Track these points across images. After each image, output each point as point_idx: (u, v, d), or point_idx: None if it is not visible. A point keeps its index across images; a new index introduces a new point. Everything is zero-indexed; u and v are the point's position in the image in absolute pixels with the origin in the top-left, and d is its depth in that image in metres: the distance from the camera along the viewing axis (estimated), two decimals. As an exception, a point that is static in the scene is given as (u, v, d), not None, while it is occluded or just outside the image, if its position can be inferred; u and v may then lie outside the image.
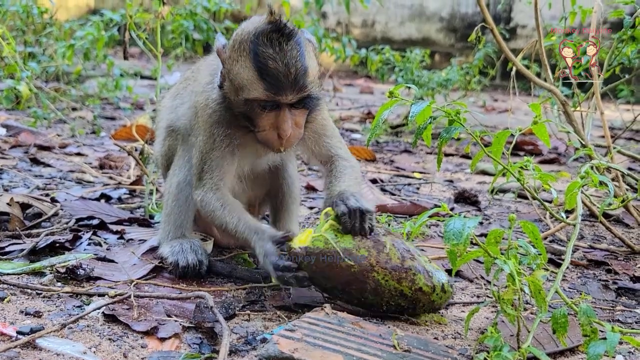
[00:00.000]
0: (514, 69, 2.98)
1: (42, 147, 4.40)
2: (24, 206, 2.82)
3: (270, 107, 2.06)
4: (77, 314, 1.90)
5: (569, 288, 2.43)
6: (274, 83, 2.00)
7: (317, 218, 3.19)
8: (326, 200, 2.20)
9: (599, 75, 3.02)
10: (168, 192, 2.44)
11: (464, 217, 1.70)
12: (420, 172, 4.52)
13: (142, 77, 8.15)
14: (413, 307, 2.02)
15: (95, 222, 2.79)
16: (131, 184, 3.52)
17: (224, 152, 2.23)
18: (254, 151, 2.31)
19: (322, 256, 1.99)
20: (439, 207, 1.81)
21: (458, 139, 5.48)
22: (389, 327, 1.95)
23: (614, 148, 2.94)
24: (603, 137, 3.01)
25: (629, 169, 4.40)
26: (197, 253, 2.31)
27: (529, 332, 1.70)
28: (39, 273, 2.22)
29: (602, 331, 1.67)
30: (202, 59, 2.61)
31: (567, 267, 2.52)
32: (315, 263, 2.00)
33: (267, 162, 2.47)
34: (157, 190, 3.11)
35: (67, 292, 2.06)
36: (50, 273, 2.20)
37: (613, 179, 2.95)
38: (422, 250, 2.67)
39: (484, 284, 2.43)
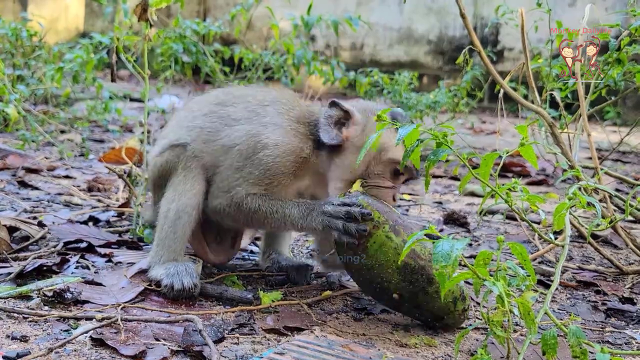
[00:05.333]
0: (502, 91, 3.00)
1: (30, 170, 4.38)
2: (11, 229, 2.80)
3: (397, 175, 2.31)
4: (65, 338, 1.88)
5: (559, 309, 2.43)
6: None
7: (306, 240, 3.19)
8: None
9: (586, 97, 3.04)
10: (165, 217, 2.42)
11: (453, 238, 1.70)
12: (409, 194, 4.53)
13: (132, 100, 8.14)
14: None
15: (83, 245, 2.78)
16: (120, 206, 3.51)
17: (268, 190, 2.32)
18: (291, 194, 2.40)
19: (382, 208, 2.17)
20: (428, 228, 1.81)
21: (447, 161, 5.50)
22: (378, 349, 1.94)
23: (602, 169, 2.96)
24: (590, 158, 3.03)
25: (617, 190, 4.42)
26: (192, 276, 2.31)
27: (518, 353, 1.70)
28: (25, 297, 2.20)
29: (591, 352, 1.67)
30: (257, 87, 2.70)
31: (556, 288, 2.54)
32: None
33: None
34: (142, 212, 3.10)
35: (54, 316, 2.04)
36: (38, 297, 2.18)
37: (601, 200, 2.97)
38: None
39: (474, 306, 2.43)
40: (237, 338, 1.99)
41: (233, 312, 2.20)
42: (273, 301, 2.26)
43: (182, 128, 2.50)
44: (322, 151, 2.34)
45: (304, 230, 2.30)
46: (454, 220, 3.66)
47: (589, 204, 1.93)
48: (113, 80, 3.40)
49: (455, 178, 5.24)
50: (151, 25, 2.97)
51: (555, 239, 2.67)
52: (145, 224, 2.97)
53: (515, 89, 3.94)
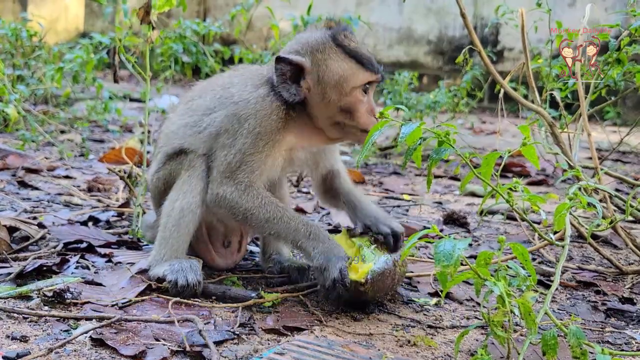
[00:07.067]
0: (502, 91, 3.00)
1: (30, 170, 4.37)
2: (11, 229, 2.80)
3: (366, 90, 2.33)
4: (64, 339, 1.88)
5: (559, 309, 2.43)
6: (371, 65, 2.33)
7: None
8: (360, 220, 2.49)
9: (586, 97, 3.04)
10: (168, 216, 2.42)
11: (454, 238, 1.70)
12: (410, 194, 4.53)
13: (132, 100, 8.14)
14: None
15: (83, 245, 2.77)
16: (120, 206, 3.51)
17: (268, 155, 2.33)
18: (287, 160, 2.43)
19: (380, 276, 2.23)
20: (429, 228, 1.81)
21: (447, 161, 5.50)
22: (378, 349, 1.94)
23: (602, 169, 2.96)
24: (590, 158, 3.03)
25: (617, 190, 4.42)
26: (196, 273, 2.31)
27: (519, 354, 1.70)
28: (25, 297, 2.20)
29: (591, 353, 1.67)
30: (217, 75, 2.73)
31: (557, 289, 2.53)
32: (373, 283, 2.22)
33: (279, 175, 2.56)
34: (144, 212, 3.10)
35: (54, 316, 2.04)
36: (38, 297, 2.18)
37: (601, 200, 2.97)
38: (411, 272, 2.67)
39: (474, 306, 2.43)
40: (237, 338, 1.99)
41: (233, 312, 2.19)
42: (274, 300, 2.26)
43: (169, 137, 2.55)
44: (295, 104, 2.34)
45: (299, 248, 2.29)
46: (454, 220, 3.66)
47: (589, 204, 1.93)
48: (116, 81, 3.40)
49: (455, 178, 5.24)
50: (153, 28, 2.97)
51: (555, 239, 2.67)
52: (145, 241, 2.94)
53: (515, 89, 3.95)
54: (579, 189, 1.99)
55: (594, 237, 3.26)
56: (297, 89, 2.31)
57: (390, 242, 2.38)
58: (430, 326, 2.19)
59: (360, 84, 2.31)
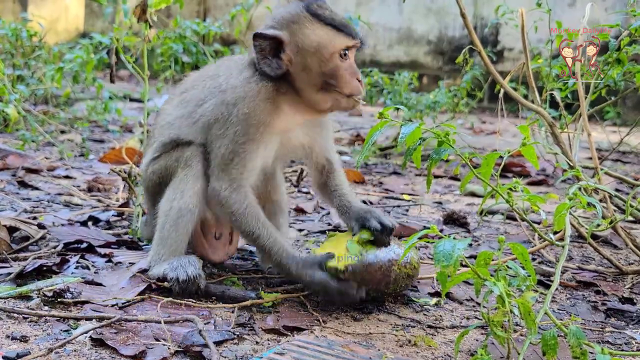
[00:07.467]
0: (502, 91, 3.00)
1: (30, 170, 4.37)
2: (11, 229, 2.80)
3: (346, 56, 2.33)
4: (64, 339, 1.88)
5: (559, 309, 2.43)
6: (349, 30, 2.34)
7: (307, 240, 3.19)
8: (350, 215, 2.47)
9: (586, 97, 3.04)
10: (166, 215, 2.42)
11: (454, 238, 1.70)
12: (410, 194, 4.52)
13: (132, 100, 8.14)
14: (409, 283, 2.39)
15: (83, 245, 2.77)
16: (120, 206, 3.51)
17: (260, 142, 2.37)
18: (282, 143, 2.48)
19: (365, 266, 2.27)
20: (428, 228, 1.81)
21: (447, 161, 5.49)
22: (378, 349, 1.94)
23: (602, 169, 2.96)
24: (590, 158, 3.03)
25: (617, 190, 4.42)
26: (196, 267, 2.33)
27: (519, 354, 1.70)
28: (25, 297, 2.20)
29: (591, 353, 1.67)
30: (207, 66, 2.80)
31: (557, 289, 2.53)
32: (355, 273, 2.26)
33: (274, 163, 2.59)
34: (144, 212, 3.09)
35: (54, 316, 2.04)
36: (37, 297, 2.18)
37: (601, 200, 2.97)
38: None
39: (474, 306, 2.43)
40: (237, 338, 1.99)
41: (233, 312, 2.19)
42: (274, 300, 2.26)
43: (165, 129, 2.57)
44: (280, 81, 2.35)
45: (282, 268, 2.35)
46: (454, 220, 3.66)
47: (589, 204, 1.93)
48: (112, 81, 3.41)
49: (455, 178, 5.24)
50: (150, 26, 2.97)
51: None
52: (144, 239, 2.94)
53: (515, 89, 3.95)
54: (579, 189, 1.99)
55: (594, 237, 3.26)
56: (279, 62, 2.32)
57: (379, 236, 2.33)
58: (430, 326, 2.19)
59: (338, 49, 2.31)
